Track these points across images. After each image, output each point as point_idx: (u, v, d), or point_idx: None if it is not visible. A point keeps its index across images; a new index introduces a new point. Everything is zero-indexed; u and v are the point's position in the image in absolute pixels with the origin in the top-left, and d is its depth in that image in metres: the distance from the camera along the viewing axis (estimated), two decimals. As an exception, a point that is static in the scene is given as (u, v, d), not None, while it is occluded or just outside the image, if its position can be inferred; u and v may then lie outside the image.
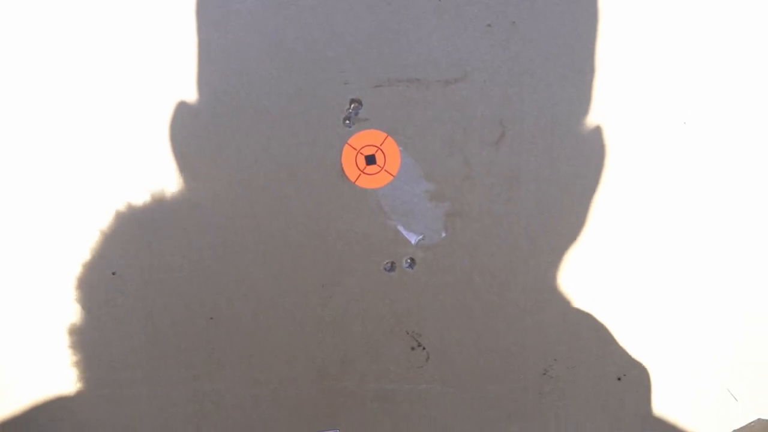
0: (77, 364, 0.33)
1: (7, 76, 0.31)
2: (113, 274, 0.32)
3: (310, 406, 0.33)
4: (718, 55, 0.31)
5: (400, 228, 0.32)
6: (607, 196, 0.32)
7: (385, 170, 0.31)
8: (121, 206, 0.32)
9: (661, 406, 0.34)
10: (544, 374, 0.34)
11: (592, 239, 0.32)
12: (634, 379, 0.34)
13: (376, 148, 0.31)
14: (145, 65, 0.31)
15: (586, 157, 0.31)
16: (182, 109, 0.31)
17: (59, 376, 0.33)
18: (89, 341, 0.33)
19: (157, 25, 0.30)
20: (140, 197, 0.32)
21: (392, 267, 0.32)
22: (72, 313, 0.33)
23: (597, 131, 0.31)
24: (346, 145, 0.31)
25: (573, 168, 0.31)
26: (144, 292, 0.32)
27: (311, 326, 0.33)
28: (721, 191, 0.32)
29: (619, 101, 0.31)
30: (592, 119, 0.31)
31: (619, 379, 0.34)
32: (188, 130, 0.31)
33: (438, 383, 0.34)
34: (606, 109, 0.31)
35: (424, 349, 0.33)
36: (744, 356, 0.34)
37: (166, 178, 0.32)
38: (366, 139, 0.31)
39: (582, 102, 0.31)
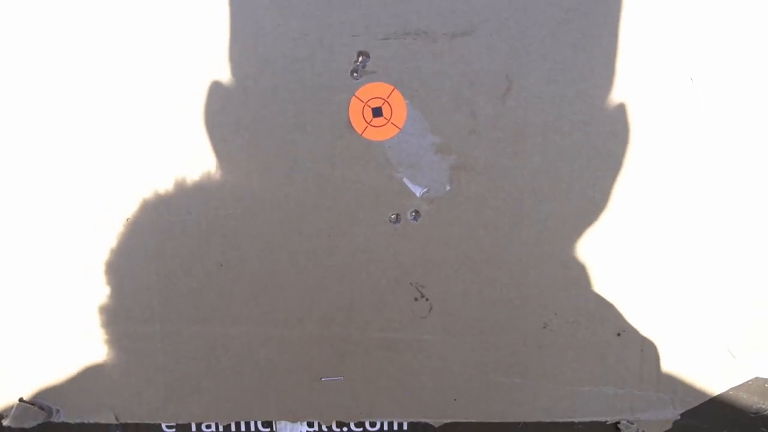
0: (96, 305, 0.34)
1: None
2: (127, 220, 0.33)
3: (315, 352, 0.34)
4: (727, 8, 0.30)
5: (406, 180, 0.32)
6: (612, 148, 0.32)
7: (392, 123, 0.31)
8: (133, 159, 0.33)
9: (659, 363, 0.35)
10: (544, 328, 0.34)
11: (596, 193, 0.32)
12: (633, 335, 0.34)
13: (383, 101, 0.31)
14: (149, 16, 0.31)
15: (592, 111, 0.31)
16: (187, 58, 0.31)
17: (75, 324, 0.35)
18: (105, 283, 0.34)
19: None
20: (150, 147, 0.33)
21: (398, 219, 0.33)
22: (88, 258, 0.34)
23: (603, 85, 0.31)
24: (354, 97, 0.31)
25: (579, 121, 0.31)
26: (156, 238, 0.33)
27: (317, 274, 0.33)
28: (726, 146, 0.32)
29: (626, 54, 0.31)
30: (598, 73, 0.31)
31: (618, 334, 0.35)
32: (194, 76, 0.32)
33: (440, 333, 0.35)
34: (613, 62, 0.31)
35: (427, 300, 0.34)
36: (743, 315, 0.34)
37: (172, 124, 0.32)
38: (373, 91, 0.31)
39: (589, 55, 0.31)
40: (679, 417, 0.35)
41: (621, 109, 0.31)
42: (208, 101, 0.32)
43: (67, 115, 0.32)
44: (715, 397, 0.35)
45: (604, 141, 0.32)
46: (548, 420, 0.36)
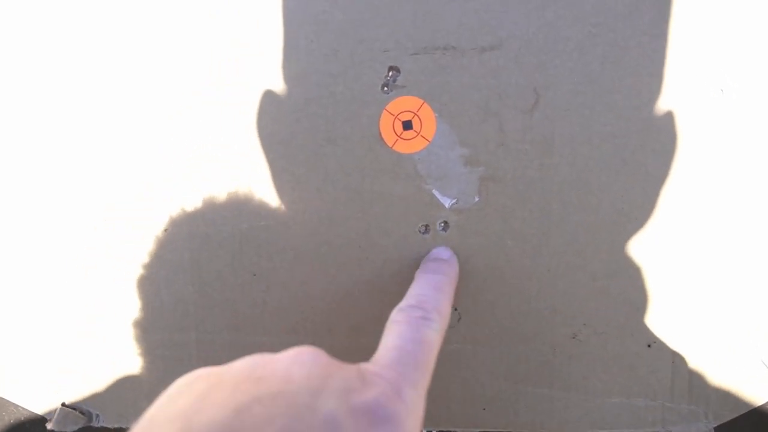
0: (132, 315, 0.36)
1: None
2: (165, 231, 0.34)
3: (344, 360, 0.35)
4: (758, 16, 0.31)
5: (435, 192, 0.33)
6: (641, 160, 0.32)
7: (421, 135, 0.32)
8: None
9: (691, 374, 0.34)
10: (574, 338, 0.34)
11: (625, 205, 0.32)
12: (664, 346, 0.34)
13: (412, 114, 0.32)
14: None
15: (620, 123, 0.32)
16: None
17: (115, 327, 0.36)
18: (141, 293, 0.35)
19: (208, -4, 0.32)
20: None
21: (427, 229, 0.33)
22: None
23: (631, 97, 0.31)
24: (384, 111, 0.32)
25: (607, 133, 0.32)
26: (192, 249, 0.34)
27: (347, 285, 0.34)
28: (758, 158, 0.32)
29: (653, 66, 0.31)
30: (626, 85, 0.31)
31: (649, 346, 0.34)
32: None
33: (469, 343, 0.35)
34: (640, 74, 0.31)
35: (456, 309, 0.34)
36: (779, 327, 0.34)
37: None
38: (403, 105, 0.32)
39: (616, 68, 0.31)
40: (712, 430, 0.35)
41: (649, 120, 0.32)
42: (243, 116, 0.33)
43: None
44: (750, 410, 0.35)
45: (632, 153, 0.32)
46: None
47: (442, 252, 0.33)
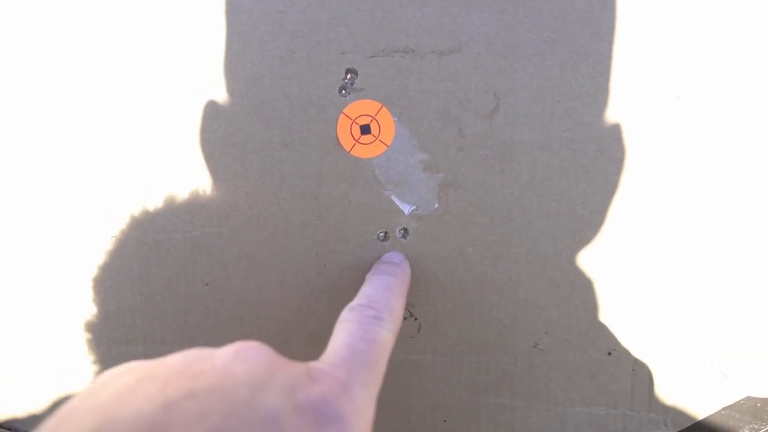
0: (81, 323, 0.34)
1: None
2: (113, 238, 0.33)
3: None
4: (714, 25, 0.31)
5: (394, 198, 0.32)
6: (600, 166, 0.32)
7: (380, 140, 0.31)
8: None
9: (651, 382, 0.34)
10: (535, 347, 0.34)
11: (585, 211, 0.32)
12: (624, 354, 0.34)
13: (371, 118, 0.31)
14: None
15: (580, 129, 0.31)
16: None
17: (54, 340, 0.34)
18: (87, 301, 0.33)
19: (157, -7, 0.31)
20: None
21: (386, 237, 0.33)
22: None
23: (591, 103, 0.31)
24: (342, 115, 0.31)
25: (567, 139, 0.31)
26: (141, 256, 0.33)
27: (305, 293, 0.33)
28: (714, 164, 0.32)
29: (613, 72, 0.31)
30: (586, 91, 0.31)
31: (609, 354, 0.34)
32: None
33: (430, 353, 0.34)
34: (600, 80, 0.31)
35: (416, 319, 0.34)
36: (735, 334, 0.34)
37: (158, 139, 0.32)
38: (361, 109, 0.31)
39: (576, 74, 0.31)
40: (672, 438, 0.35)
41: (609, 127, 0.31)
42: (196, 118, 0.32)
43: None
44: (708, 417, 0.35)
45: (592, 159, 0.32)
46: (540, 441, 0.35)
47: (394, 256, 0.32)
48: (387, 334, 0.24)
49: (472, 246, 0.33)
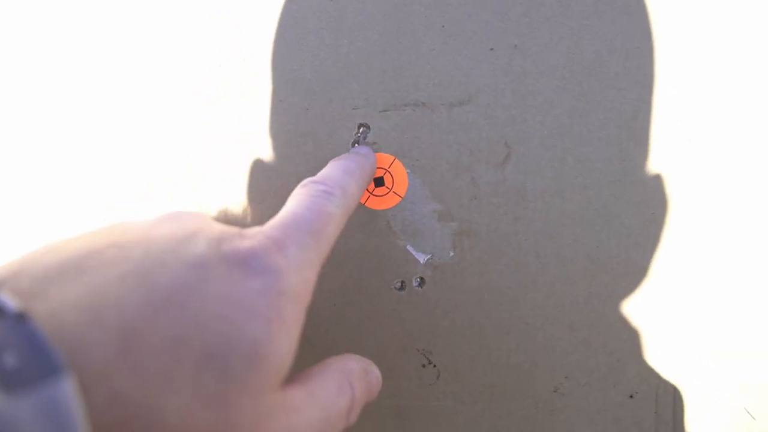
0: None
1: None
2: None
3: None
4: (723, 68, 0.31)
5: (409, 248, 0.32)
6: (613, 210, 0.32)
7: (394, 192, 0.32)
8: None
9: (676, 425, 0.34)
10: (555, 391, 0.34)
11: (600, 254, 0.32)
12: (647, 396, 0.34)
13: (384, 171, 0.32)
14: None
15: (591, 175, 0.32)
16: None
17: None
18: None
19: (174, 47, 0.32)
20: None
21: (402, 286, 0.33)
22: None
23: (601, 149, 0.31)
24: (356, 168, 0.32)
25: (579, 185, 0.32)
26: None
27: (324, 344, 0.33)
28: (727, 207, 0.32)
29: (622, 118, 0.31)
30: (596, 137, 0.31)
31: (631, 396, 0.34)
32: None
33: (450, 400, 0.34)
34: (609, 126, 0.31)
35: (435, 366, 0.34)
36: (762, 375, 0.33)
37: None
38: (375, 161, 0.32)
39: (585, 121, 0.31)
40: (699, 481, 0.34)
41: (620, 171, 0.32)
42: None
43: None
44: (735, 461, 0.34)
45: (606, 204, 0.32)
46: (564, 487, 0.35)
47: (360, 148, 0.31)
48: (335, 209, 0.23)
49: (488, 293, 0.33)
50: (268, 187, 0.32)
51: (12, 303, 0.13)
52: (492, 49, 0.31)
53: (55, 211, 0.34)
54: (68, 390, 0.12)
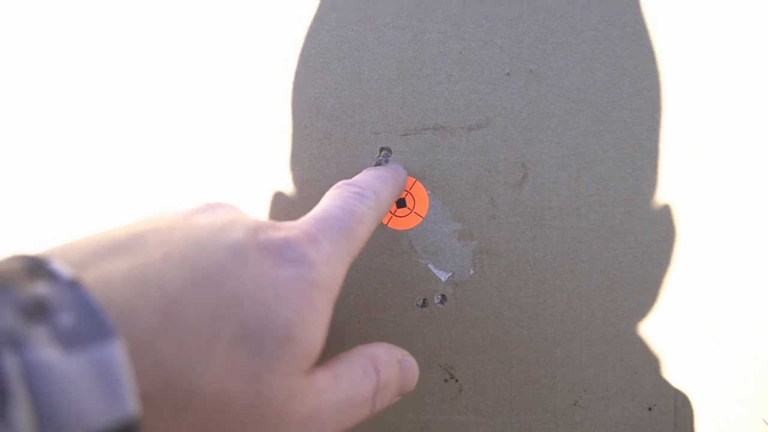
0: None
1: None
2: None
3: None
4: (733, 82, 0.32)
5: (431, 266, 0.34)
6: (628, 227, 0.33)
7: (415, 212, 0.33)
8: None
9: (695, 435, 0.35)
10: (575, 405, 0.35)
11: (616, 270, 0.33)
12: (665, 409, 0.34)
13: (406, 192, 0.33)
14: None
15: (606, 193, 0.33)
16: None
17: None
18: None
19: (192, 77, 0.34)
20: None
21: (424, 303, 0.34)
22: None
23: (615, 167, 0.32)
24: (378, 190, 0.33)
25: (594, 203, 0.33)
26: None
27: (349, 361, 0.34)
28: (744, 220, 0.33)
29: (635, 136, 0.32)
30: (609, 156, 0.32)
31: (650, 409, 0.35)
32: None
33: (472, 414, 0.35)
34: (622, 145, 0.32)
35: (456, 381, 0.35)
36: (776, 384, 0.34)
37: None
38: (396, 183, 0.33)
39: (599, 141, 0.32)
40: (718, 492, 0.35)
41: (635, 189, 0.33)
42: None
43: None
44: (754, 472, 0.35)
45: (621, 221, 0.33)
46: (585, 499, 0.35)
47: (391, 165, 0.32)
48: (367, 210, 0.23)
49: (508, 309, 0.34)
50: (292, 210, 0.34)
51: (65, 270, 0.14)
52: (508, 73, 0.32)
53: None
54: (119, 352, 0.13)
